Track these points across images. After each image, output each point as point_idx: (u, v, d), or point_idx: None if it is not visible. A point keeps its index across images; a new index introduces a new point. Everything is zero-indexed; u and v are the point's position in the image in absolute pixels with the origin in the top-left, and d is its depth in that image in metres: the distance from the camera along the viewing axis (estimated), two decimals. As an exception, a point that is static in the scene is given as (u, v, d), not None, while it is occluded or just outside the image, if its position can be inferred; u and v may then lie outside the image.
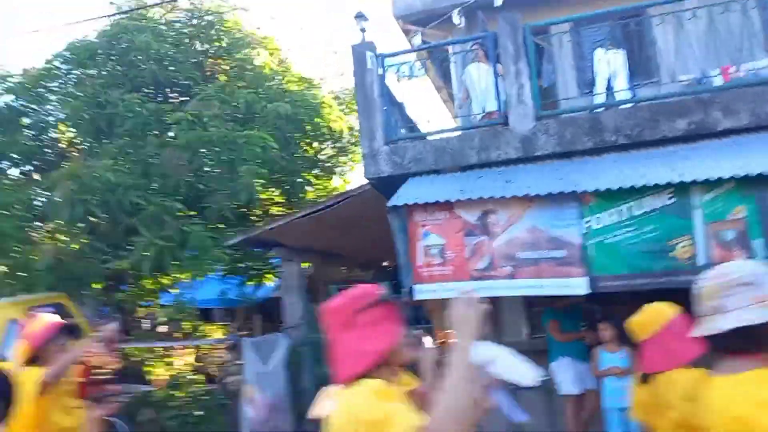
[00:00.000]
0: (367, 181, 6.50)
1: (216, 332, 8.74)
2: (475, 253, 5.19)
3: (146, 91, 7.87)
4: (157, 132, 7.42)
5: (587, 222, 4.94)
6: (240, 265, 8.45)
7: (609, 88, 6.15)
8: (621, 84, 6.11)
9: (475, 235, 5.20)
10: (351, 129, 9.16)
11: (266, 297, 9.67)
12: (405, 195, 5.51)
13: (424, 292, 5.42)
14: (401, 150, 6.28)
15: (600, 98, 6.19)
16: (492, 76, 6.34)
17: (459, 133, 6.41)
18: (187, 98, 8.20)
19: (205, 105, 7.27)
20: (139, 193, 6.79)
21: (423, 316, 9.63)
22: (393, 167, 6.32)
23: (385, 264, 9.93)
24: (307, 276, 8.43)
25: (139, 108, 7.24)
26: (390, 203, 5.38)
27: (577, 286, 4.86)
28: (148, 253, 6.67)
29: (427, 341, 2.54)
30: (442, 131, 6.81)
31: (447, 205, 5.29)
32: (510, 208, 5.12)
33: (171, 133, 7.15)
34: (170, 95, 8.27)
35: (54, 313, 7.16)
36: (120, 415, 6.85)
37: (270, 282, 9.16)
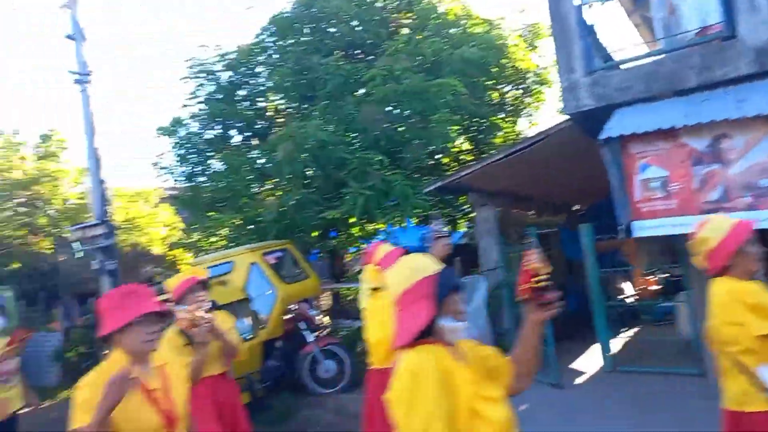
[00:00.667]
0: (566, 117, 6.29)
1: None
2: (705, 183, 4.79)
3: (341, 53, 8.41)
4: (354, 90, 7.94)
5: None
6: (434, 211, 8.80)
7: None
8: None
9: (704, 163, 4.79)
10: (537, 67, 8.87)
11: (456, 243, 10.02)
12: (619, 125, 5.22)
13: (644, 228, 5.15)
14: (604, 80, 5.93)
15: None
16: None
17: (666, 55, 5.85)
18: (373, 56, 8.61)
19: (394, 59, 7.56)
20: (344, 148, 7.39)
21: (619, 260, 9.22)
22: (596, 99, 6.00)
23: (575, 208, 9.58)
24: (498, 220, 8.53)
25: (336, 70, 7.79)
26: (602, 135, 5.15)
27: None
28: (356, 203, 7.29)
29: None
30: (650, 54, 6.24)
31: (670, 134, 4.92)
32: (747, 130, 4.61)
33: (366, 90, 7.56)
34: (361, 54, 8.74)
35: (281, 257, 8.33)
36: (341, 345, 7.77)
37: (462, 228, 9.44)
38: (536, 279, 1.95)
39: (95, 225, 9.84)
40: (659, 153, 5.02)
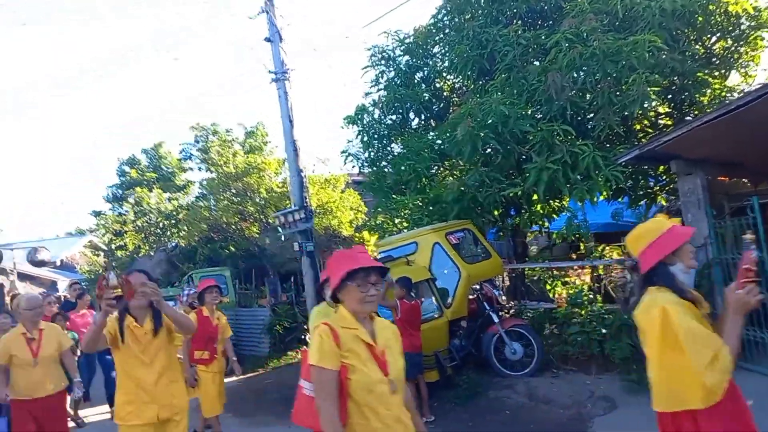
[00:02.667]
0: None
1: (612, 253, 8.63)
2: None
3: (520, 22, 8.05)
4: (536, 59, 7.55)
5: None
6: (626, 184, 8.02)
7: None
8: None
9: None
10: (753, 9, 7.49)
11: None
12: None
13: None
14: None
15: None
16: None
17: None
18: (555, 20, 8.07)
19: (579, 21, 6.99)
20: (527, 121, 7.08)
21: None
22: None
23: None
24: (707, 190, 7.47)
25: (516, 40, 7.47)
26: None
27: None
28: (540, 179, 6.94)
29: None
30: None
31: None
32: None
33: (549, 58, 7.12)
34: (541, 21, 8.27)
35: (463, 237, 8.34)
36: (529, 327, 7.53)
37: (662, 201, 8.46)
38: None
39: (295, 210, 10.90)
40: None
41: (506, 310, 8.14)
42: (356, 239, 14.25)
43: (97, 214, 23.12)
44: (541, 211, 8.51)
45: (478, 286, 7.85)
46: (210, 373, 6.08)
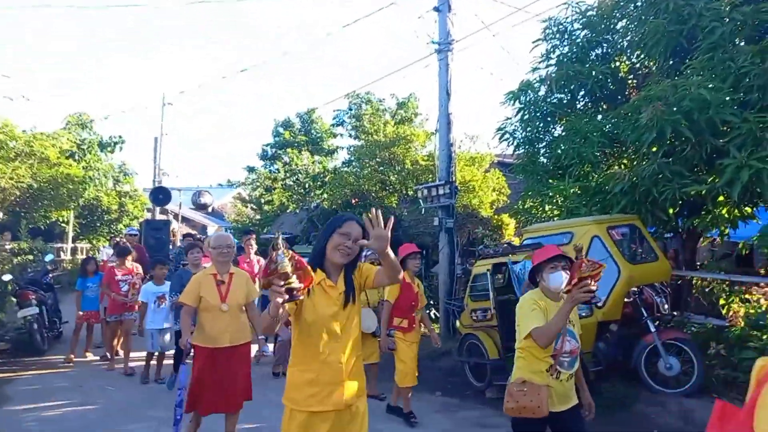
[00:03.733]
0: None
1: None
2: None
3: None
4: (751, 39, 6.46)
5: None
6: None
7: None
8: None
9: None
10: None
11: None
12: None
13: None
14: None
15: None
16: None
17: None
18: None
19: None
20: (730, 110, 6.10)
21: None
22: None
23: None
24: None
25: (726, 15, 6.43)
26: None
27: None
28: (738, 177, 5.97)
29: None
30: None
31: None
32: None
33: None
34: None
35: (626, 234, 7.53)
36: (691, 343, 6.64)
37: None
38: None
39: (441, 185, 10.70)
40: None
41: (667, 321, 7.26)
42: (494, 221, 13.75)
43: (251, 169, 24.94)
44: (728, 216, 7.39)
45: (637, 290, 7.06)
46: (407, 342, 6.12)
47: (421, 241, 14.60)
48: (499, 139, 9.72)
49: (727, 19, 6.54)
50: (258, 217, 20.59)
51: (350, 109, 15.78)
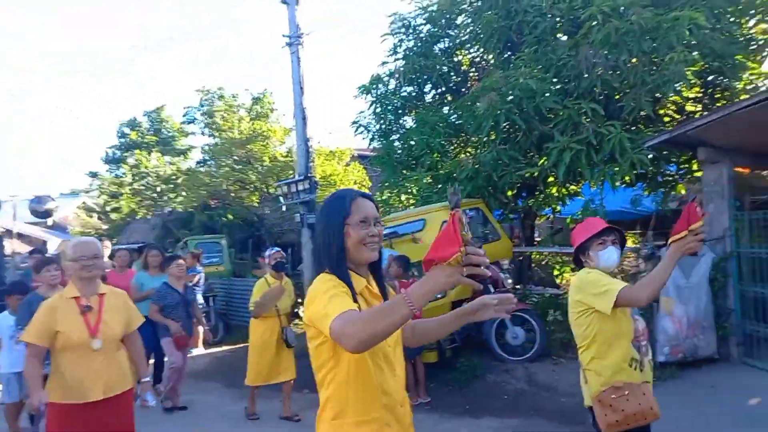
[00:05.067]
0: None
1: (627, 240, 8.28)
2: None
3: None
4: (568, 32, 7.19)
5: None
6: (652, 170, 7.70)
7: None
8: None
9: None
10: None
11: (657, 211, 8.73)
12: None
13: None
14: None
15: None
16: None
17: None
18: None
19: (618, -7, 6.62)
20: (553, 97, 6.74)
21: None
22: None
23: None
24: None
25: (547, 11, 7.11)
26: None
27: None
28: (562, 159, 6.63)
29: None
30: None
31: None
32: None
33: (583, 31, 6.76)
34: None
35: (473, 216, 8.03)
36: (532, 312, 7.29)
37: (682, 190, 8.15)
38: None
39: (299, 180, 10.56)
40: None
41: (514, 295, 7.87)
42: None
43: (93, 175, 22.76)
44: (557, 194, 8.19)
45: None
46: None
47: (287, 239, 14.39)
48: (355, 132, 9.85)
49: (549, 15, 7.23)
50: (105, 226, 18.86)
51: (202, 106, 15.07)
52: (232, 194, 14.00)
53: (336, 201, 1.92)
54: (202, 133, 14.89)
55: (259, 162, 13.40)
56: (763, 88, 7.08)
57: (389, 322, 1.50)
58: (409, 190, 9.04)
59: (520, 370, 6.88)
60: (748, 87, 7.37)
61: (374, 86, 9.49)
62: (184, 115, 20.71)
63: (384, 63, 9.69)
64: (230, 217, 15.04)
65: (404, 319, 1.50)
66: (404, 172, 9.26)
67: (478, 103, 7.09)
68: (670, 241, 2.52)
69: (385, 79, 9.51)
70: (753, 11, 7.15)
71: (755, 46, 7.40)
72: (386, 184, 9.74)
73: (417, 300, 1.49)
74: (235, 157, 13.76)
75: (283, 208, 11.67)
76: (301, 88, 10.55)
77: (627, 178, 6.76)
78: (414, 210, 8.18)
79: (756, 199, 7.70)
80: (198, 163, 15.35)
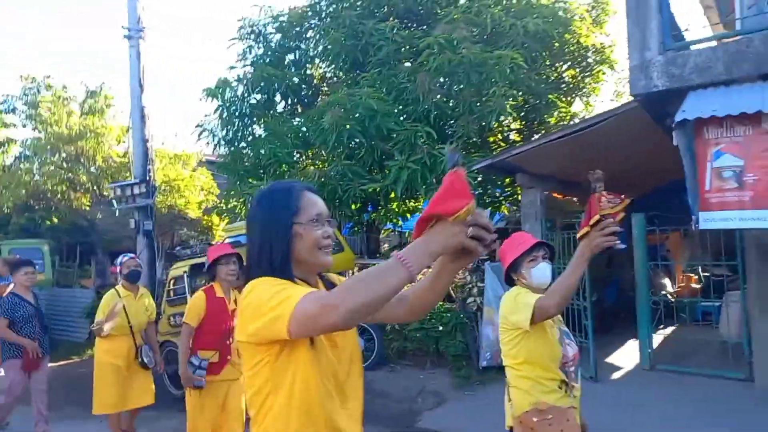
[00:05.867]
0: (631, 98, 5.91)
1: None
2: (787, 176, 4.39)
3: (396, 20, 8.10)
4: (408, 59, 7.65)
5: None
6: (476, 191, 8.50)
7: None
8: None
9: (787, 155, 4.38)
10: (601, 45, 8.46)
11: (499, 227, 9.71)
12: (696, 108, 4.82)
13: (712, 221, 4.79)
14: (681, 59, 5.51)
15: None
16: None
17: (754, 36, 5.38)
18: (430, 24, 8.28)
19: (452, 28, 7.23)
20: (393, 119, 7.13)
21: (660, 255, 8.77)
22: (669, 80, 5.60)
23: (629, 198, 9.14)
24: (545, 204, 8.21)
25: (391, 36, 7.51)
26: (678, 117, 4.77)
27: None
28: (400, 177, 7.04)
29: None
30: (739, 33, 5.75)
31: (754, 119, 4.51)
32: None
33: (420, 60, 7.26)
34: (417, 22, 8.41)
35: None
36: (370, 322, 7.63)
37: (505, 211, 9.08)
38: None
39: (135, 183, 9.86)
40: (737, 140, 4.63)
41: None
42: (204, 222, 13.37)
43: None
44: (397, 210, 8.66)
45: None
46: (211, 394, 4.08)
47: (121, 247, 13.31)
48: (198, 136, 9.47)
49: (393, 40, 7.64)
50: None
51: (25, 95, 13.33)
52: (59, 195, 12.59)
53: (279, 195, 1.54)
54: (24, 126, 13.17)
55: (92, 162, 12.23)
56: (571, 125, 8.21)
57: (384, 287, 1.20)
58: (256, 200, 8.90)
59: (357, 379, 7.14)
60: (561, 123, 8.45)
61: (221, 90, 9.22)
62: (1, 103, 18.17)
63: (232, 68, 9.48)
64: (55, 220, 13.54)
65: (401, 283, 1.20)
66: (251, 180, 9.12)
67: (323, 118, 7.25)
68: (577, 238, 2.32)
69: (234, 84, 9.30)
70: (565, 57, 8.25)
71: (566, 88, 8.53)
72: (232, 192, 9.51)
73: (416, 261, 1.20)
74: (64, 155, 12.40)
75: (117, 213, 10.79)
76: (140, 85, 9.92)
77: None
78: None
79: (566, 221, 8.85)
80: (17, 158, 13.55)
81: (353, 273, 8.22)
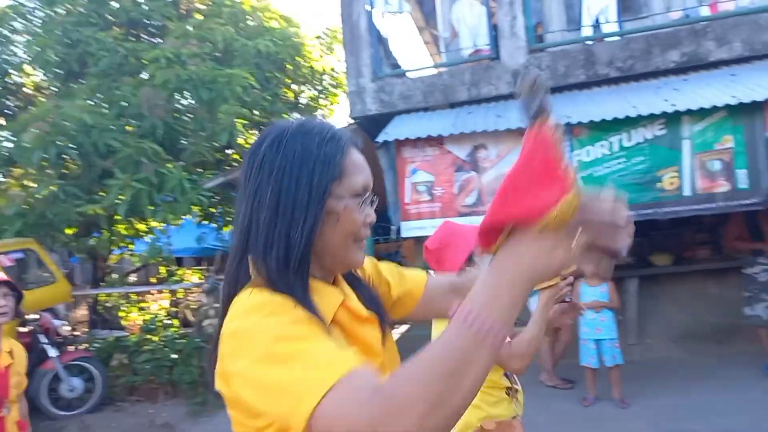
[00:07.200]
0: (352, 121, 6.38)
1: (192, 277, 8.55)
2: (463, 189, 5.16)
3: (120, 29, 7.48)
4: (132, 72, 7.10)
5: (577, 155, 4.92)
6: (215, 210, 8.27)
7: (597, 24, 6.00)
8: (611, 19, 5.98)
9: (464, 171, 5.17)
10: (333, 70, 9.06)
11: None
12: (394, 131, 5.41)
13: (411, 229, 5.39)
14: (389, 87, 6.17)
15: (588, 31, 6.01)
16: (483, 11, 6.20)
17: (444, 69, 6.29)
18: (159, 38, 7.86)
19: (182, 43, 6.95)
20: (114, 135, 6.51)
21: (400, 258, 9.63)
22: (380, 105, 6.21)
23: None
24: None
25: (113, 47, 6.89)
26: (379, 139, 5.28)
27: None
28: (124, 197, 6.44)
29: None
30: (432, 66, 6.64)
31: (437, 141, 5.22)
32: (500, 142, 5.08)
33: (147, 73, 6.81)
34: (145, 34, 7.90)
35: (23, 258, 7.00)
36: (93, 359, 6.77)
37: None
38: None
39: None
40: (427, 159, 5.30)
41: (69, 342, 7.17)
42: None
43: None
44: (125, 233, 7.89)
45: (37, 316, 6.66)
46: None
47: None
48: None
49: (115, 51, 7.02)
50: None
51: None
52: None
53: (317, 141, 0.94)
54: None
55: None
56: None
57: (464, 382, 0.69)
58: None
59: (72, 425, 6.25)
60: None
61: None
62: None
63: None
64: None
65: (488, 364, 0.70)
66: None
67: (25, 132, 6.28)
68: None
69: None
70: (300, 80, 8.61)
71: (304, 108, 8.89)
72: None
73: (500, 316, 0.70)
74: None
75: None
76: None
77: (188, 216, 7.02)
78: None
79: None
80: None
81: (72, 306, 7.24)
